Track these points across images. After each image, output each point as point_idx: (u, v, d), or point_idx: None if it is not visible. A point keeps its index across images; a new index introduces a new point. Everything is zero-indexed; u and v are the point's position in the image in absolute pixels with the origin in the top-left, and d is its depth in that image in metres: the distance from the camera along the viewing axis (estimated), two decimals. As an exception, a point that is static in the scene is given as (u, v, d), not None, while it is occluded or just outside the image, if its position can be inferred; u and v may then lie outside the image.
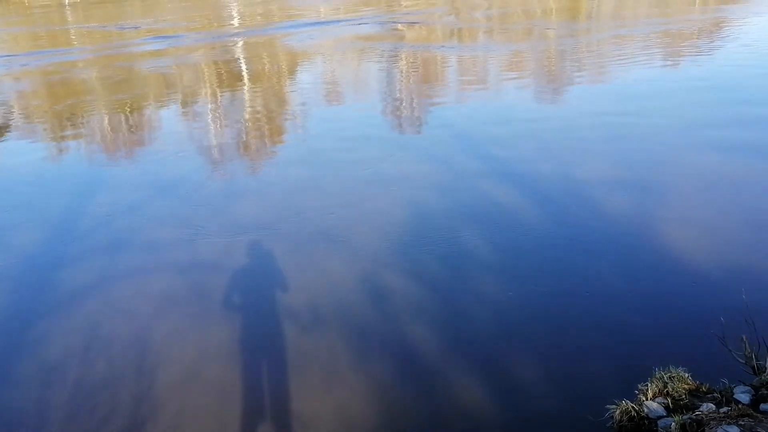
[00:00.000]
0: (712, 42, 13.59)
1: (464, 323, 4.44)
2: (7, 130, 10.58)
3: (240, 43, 17.99)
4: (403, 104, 10.63)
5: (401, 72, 13.12)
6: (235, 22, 24.29)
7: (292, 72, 13.96)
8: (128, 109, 11.36)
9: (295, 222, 6.17)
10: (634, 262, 5.00)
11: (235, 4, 33.90)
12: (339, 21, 21.20)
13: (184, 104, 11.59)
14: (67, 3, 43.84)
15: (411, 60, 14.31)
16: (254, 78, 13.53)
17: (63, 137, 10.00)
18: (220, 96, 12.04)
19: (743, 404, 3.14)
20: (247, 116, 10.53)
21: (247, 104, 11.35)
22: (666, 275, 4.76)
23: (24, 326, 4.80)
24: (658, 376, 3.42)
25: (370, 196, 6.67)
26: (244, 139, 9.24)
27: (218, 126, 9.99)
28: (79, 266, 5.65)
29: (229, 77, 13.74)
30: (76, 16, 33.08)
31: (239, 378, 4.07)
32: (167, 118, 10.85)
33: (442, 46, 15.83)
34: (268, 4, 31.46)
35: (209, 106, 11.32)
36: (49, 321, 4.84)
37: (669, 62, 11.96)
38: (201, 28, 22.11)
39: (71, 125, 10.66)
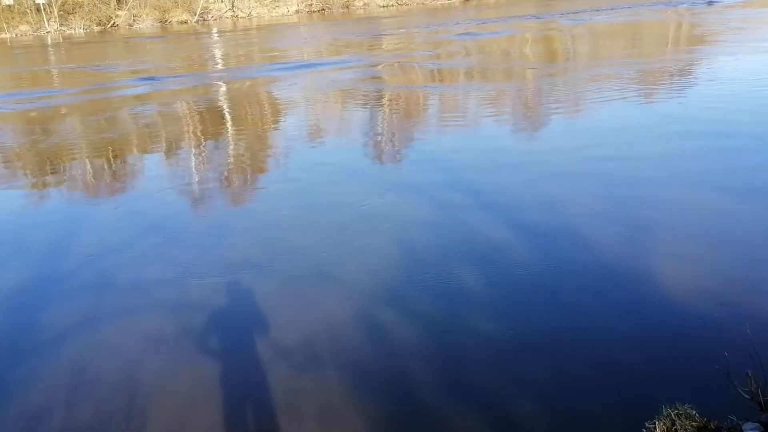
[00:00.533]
0: (692, 82, 13.86)
1: (461, 361, 4.36)
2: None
3: (223, 86, 18.03)
4: (390, 143, 10.66)
5: (386, 112, 13.20)
6: (218, 63, 24.41)
7: (276, 113, 13.99)
8: (111, 152, 11.27)
9: (286, 260, 6.08)
10: (634, 299, 4.97)
11: (217, 45, 34.14)
12: (322, 63, 21.38)
13: (169, 146, 11.53)
14: (49, 43, 43.92)
15: (395, 100, 14.42)
16: (239, 120, 13.53)
17: (45, 180, 9.87)
18: (205, 138, 12.00)
19: (753, 441, 3.08)
20: (232, 157, 10.49)
21: (233, 145, 11.31)
22: (668, 311, 4.73)
23: (6, 369, 4.64)
24: (665, 413, 3.35)
25: (361, 234, 6.61)
26: (231, 179, 9.18)
27: (204, 166, 9.93)
28: (63, 306, 5.52)
29: (213, 120, 13.73)
30: (58, 56, 33.07)
31: (232, 421, 3.94)
32: (151, 160, 10.77)
33: (425, 87, 15.99)
34: (250, 46, 31.71)
35: (194, 147, 11.27)
36: (33, 363, 4.69)
37: (653, 103, 12.15)
38: (183, 70, 22.17)
39: (53, 168, 10.55)
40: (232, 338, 4.85)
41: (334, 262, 6.00)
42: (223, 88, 17.79)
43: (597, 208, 6.82)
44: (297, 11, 63.93)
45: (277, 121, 13.01)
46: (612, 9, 36.63)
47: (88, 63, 27.68)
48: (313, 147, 10.78)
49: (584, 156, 8.78)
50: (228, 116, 13.92)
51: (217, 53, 29.04)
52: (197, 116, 14.08)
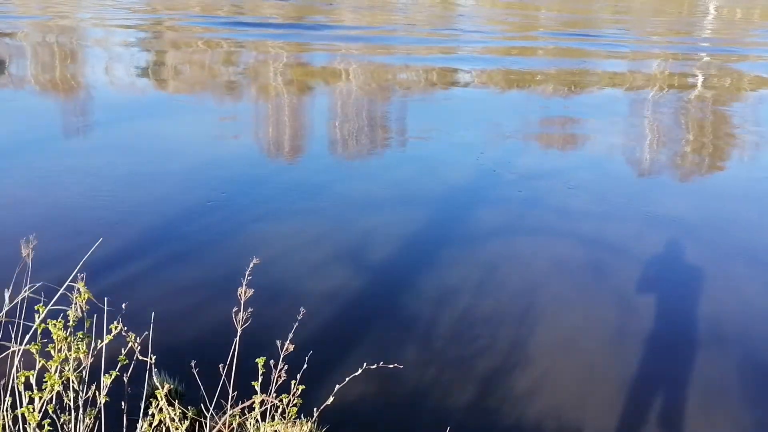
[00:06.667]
0: None
1: None
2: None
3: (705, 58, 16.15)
4: None
5: None
6: (707, 30, 22.21)
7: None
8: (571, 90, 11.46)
9: (715, 240, 5.74)
10: None
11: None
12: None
13: (631, 107, 11.34)
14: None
15: None
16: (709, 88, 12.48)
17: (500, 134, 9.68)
18: (670, 105, 11.43)
19: None
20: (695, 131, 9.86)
21: (703, 122, 10.54)
22: None
23: (430, 263, 5.13)
24: None
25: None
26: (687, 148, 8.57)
27: (653, 133, 9.54)
28: (487, 220, 6.01)
29: (681, 87, 12.92)
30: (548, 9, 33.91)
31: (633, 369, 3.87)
32: (610, 112, 10.73)
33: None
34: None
35: (660, 113, 10.86)
36: (453, 259, 5.19)
37: None
38: (669, 34, 20.98)
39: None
40: (642, 289, 4.77)
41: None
42: (701, 63, 16.17)
43: None
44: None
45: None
46: None
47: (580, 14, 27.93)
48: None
49: None
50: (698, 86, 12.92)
51: (711, 13, 26.75)
52: (666, 82, 13.39)
